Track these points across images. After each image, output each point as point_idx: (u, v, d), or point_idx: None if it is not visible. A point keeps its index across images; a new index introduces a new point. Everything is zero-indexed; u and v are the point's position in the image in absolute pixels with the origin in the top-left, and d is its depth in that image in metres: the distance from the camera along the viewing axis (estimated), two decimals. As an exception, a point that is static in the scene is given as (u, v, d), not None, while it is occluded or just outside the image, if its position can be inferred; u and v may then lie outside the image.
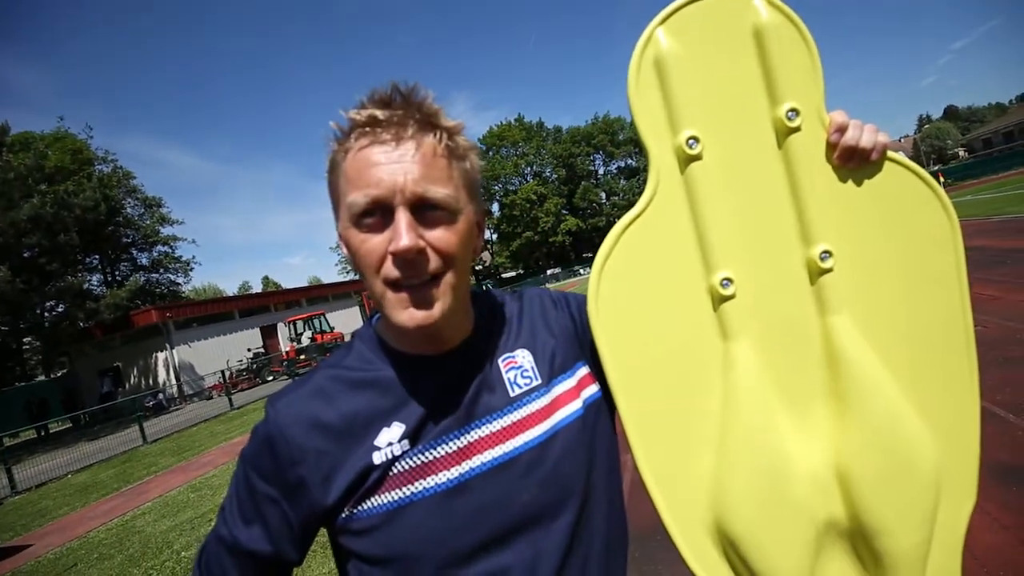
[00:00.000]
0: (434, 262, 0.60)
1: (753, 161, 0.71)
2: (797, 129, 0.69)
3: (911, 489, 0.66)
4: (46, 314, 22.44)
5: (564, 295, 0.84)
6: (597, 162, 58.72)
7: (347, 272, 63.18)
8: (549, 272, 51.88)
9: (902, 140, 78.71)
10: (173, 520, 5.57)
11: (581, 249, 58.78)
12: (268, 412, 0.67)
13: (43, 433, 19.33)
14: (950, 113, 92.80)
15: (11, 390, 22.05)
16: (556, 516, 0.65)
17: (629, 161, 57.52)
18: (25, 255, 20.52)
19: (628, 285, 0.71)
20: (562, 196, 55.35)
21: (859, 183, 0.69)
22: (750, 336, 0.70)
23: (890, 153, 0.69)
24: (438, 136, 0.61)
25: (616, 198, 55.07)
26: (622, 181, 56.46)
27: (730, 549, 0.69)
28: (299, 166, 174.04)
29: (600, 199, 56.39)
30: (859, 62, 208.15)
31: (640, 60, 0.70)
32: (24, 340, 24.33)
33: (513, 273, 59.11)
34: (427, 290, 0.61)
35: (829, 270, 0.69)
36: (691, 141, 0.69)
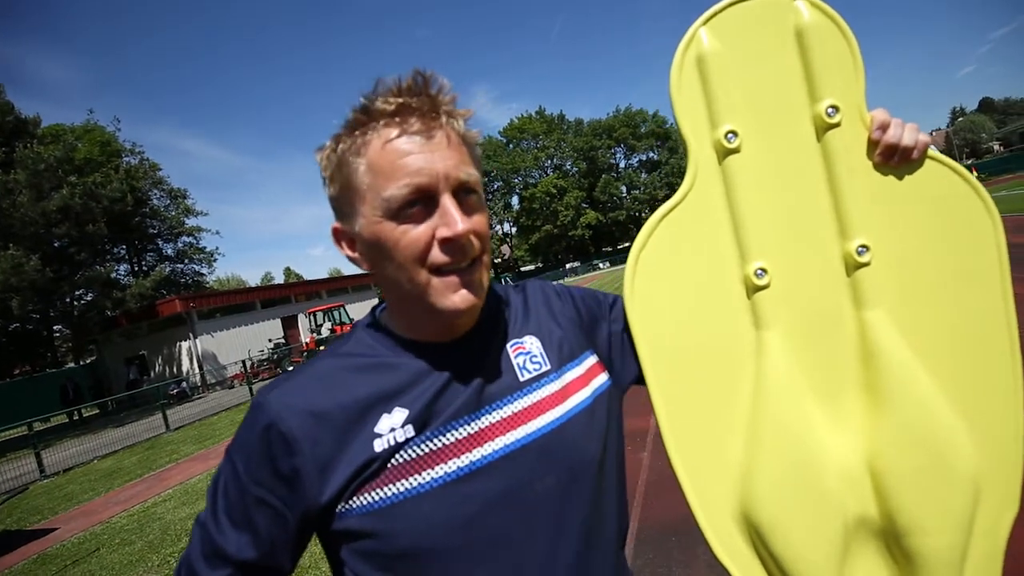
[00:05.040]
0: (476, 245, 0.61)
1: (791, 155, 0.72)
2: (837, 125, 0.70)
3: (945, 488, 0.65)
4: (75, 303, 23.10)
5: (565, 287, 0.83)
6: (618, 155, 58.05)
7: (366, 264, 63.72)
8: (568, 266, 51.70)
9: (933, 133, 76.13)
10: (192, 508, 5.67)
11: (601, 243, 58.41)
12: (259, 402, 0.62)
13: (75, 417, 19.96)
14: (985, 105, 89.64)
15: (42, 376, 22.88)
16: (571, 505, 0.63)
17: (651, 154, 56.71)
18: (55, 245, 21.13)
19: (663, 274, 0.73)
20: (582, 189, 54.90)
21: (899, 180, 0.70)
22: (783, 326, 0.71)
23: (931, 151, 0.69)
24: (458, 123, 0.62)
25: (637, 192, 54.36)
26: (643, 175, 55.71)
27: (757, 539, 0.69)
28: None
29: (621, 193, 55.76)
30: (894, 52, 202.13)
31: (683, 58, 0.72)
32: (54, 328, 25.10)
33: (532, 267, 59.07)
34: (473, 272, 0.61)
35: (866, 264, 0.69)
36: (729, 135, 0.71)
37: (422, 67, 0.61)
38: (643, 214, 54.62)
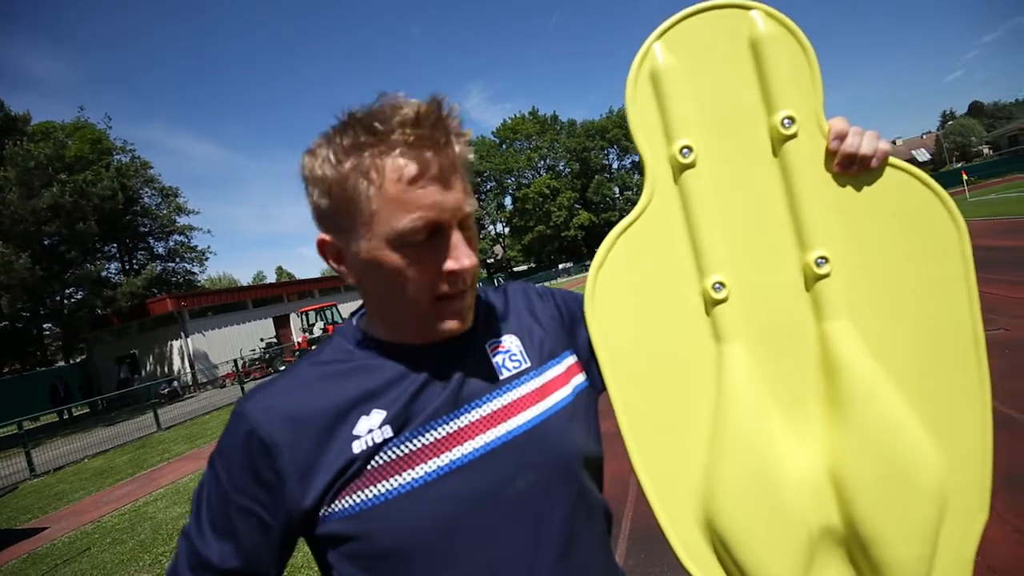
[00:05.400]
0: (472, 273, 0.62)
1: (748, 168, 0.71)
2: (793, 136, 0.69)
3: (909, 499, 0.65)
4: (65, 301, 22.87)
5: (547, 288, 0.84)
6: (611, 156, 58.16)
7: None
8: (561, 266, 51.72)
9: (924, 137, 76.75)
10: (184, 507, 5.64)
11: (593, 244, 58.39)
12: (239, 411, 0.62)
13: (65, 416, 19.78)
14: (975, 109, 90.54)
15: (32, 375, 22.62)
16: (553, 503, 0.62)
17: (643, 155, 56.85)
18: (45, 243, 20.92)
19: (623, 288, 0.74)
20: (575, 190, 54.97)
21: (859, 189, 0.69)
22: (743, 339, 0.71)
23: (892, 159, 0.68)
24: (461, 149, 0.61)
25: (630, 192, 54.55)
26: (636, 176, 55.87)
27: (720, 547, 0.69)
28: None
29: (614, 193, 55.91)
30: (882, 57, 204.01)
31: (637, 73, 0.73)
32: (44, 326, 24.83)
33: (525, 267, 59.06)
34: (467, 297, 0.64)
35: (826, 276, 0.69)
36: (684, 150, 0.71)
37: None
38: (637, 215, 54.73)
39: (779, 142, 0.70)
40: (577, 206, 55.14)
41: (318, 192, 0.61)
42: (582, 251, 56.95)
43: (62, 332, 25.17)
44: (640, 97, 0.73)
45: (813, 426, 0.70)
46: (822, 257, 0.69)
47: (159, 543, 4.72)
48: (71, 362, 28.36)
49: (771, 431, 0.69)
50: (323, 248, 0.65)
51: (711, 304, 0.71)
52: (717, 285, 0.71)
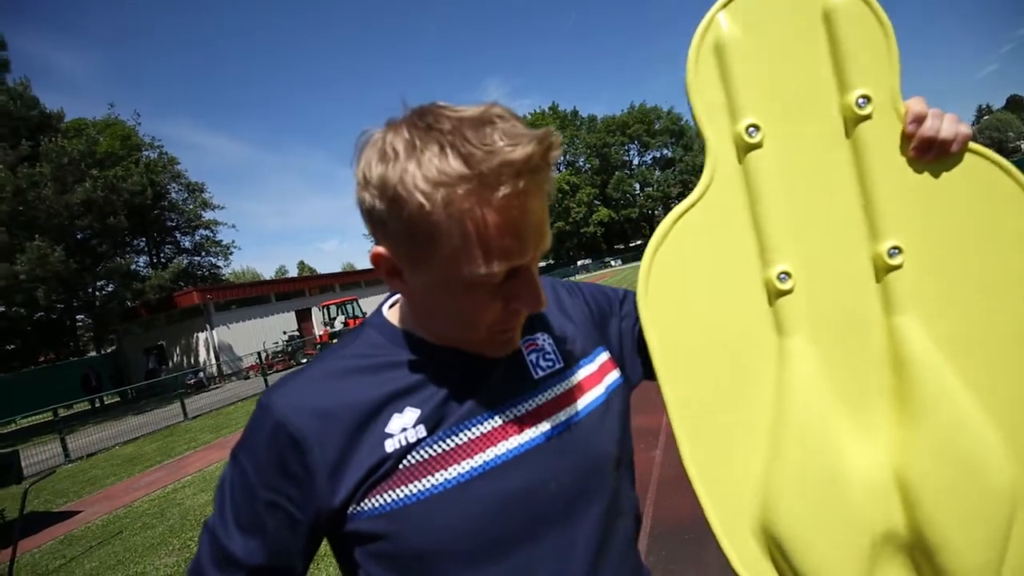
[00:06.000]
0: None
1: (818, 150, 0.67)
2: (868, 117, 0.64)
3: (980, 503, 0.62)
4: (97, 293, 23.60)
5: (575, 283, 0.82)
6: (632, 152, 57.62)
7: (379, 259, 64.00)
8: (579, 263, 51.45)
9: (958, 131, 74.13)
10: (211, 494, 5.76)
11: (613, 241, 58.07)
12: (265, 403, 0.60)
13: (97, 405, 20.45)
14: (1013, 103, 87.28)
15: (65, 364, 23.44)
16: (587, 505, 0.62)
17: (665, 151, 56.19)
18: (78, 237, 21.62)
19: (680, 275, 0.69)
20: (595, 186, 54.57)
21: (936, 176, 0.65)
22: (807, 332, 0.67)
23: (972, 145, 0.64)
24: (550, 182, 0.53)
25: (651, 189, 53.88)
26: (657, 172, 55.22)
27: (777, 552, 0.65)
28: (331, 152, 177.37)
29: (634, 190, 55.31)
30: (915, 50, 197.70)
31: (700, 46, 0.67)
32: (77, 318, 25.66)
33: (543, 264, 58.89)
34: (520, 322, 0.62)
35: (898, 267, 0.65)
36: (751, 129, 0.66)
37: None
38: (656, 212, 54.20)
39: (852, 123, 0.65)
40: (597, 202, 54.77)
41: (388, 208, 0.51)
42: (601, 248, 56.61)
43: (94, 323, 25.95)
44: (703, 71, 0.67)
45: (878, 425, 0.66)
46: (895, 247, 0.65)
47: (187, 528, 4.87)
48: (102, 352, 29.27)
49: (835, 430, 0.65)
50: (378, 261, 0.58)
51: (775, 295, 0.67)
52: (782, 275, 0.66)
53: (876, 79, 0.65)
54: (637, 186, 55.96)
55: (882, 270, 0.66)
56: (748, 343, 0.68)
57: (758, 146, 0.66)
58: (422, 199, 0.49)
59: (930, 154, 0.64)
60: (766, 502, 0.66)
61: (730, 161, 0.68)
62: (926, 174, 0.65)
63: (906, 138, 0.64)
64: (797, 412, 0.66)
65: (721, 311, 0.69)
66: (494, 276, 0.52)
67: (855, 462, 0.65)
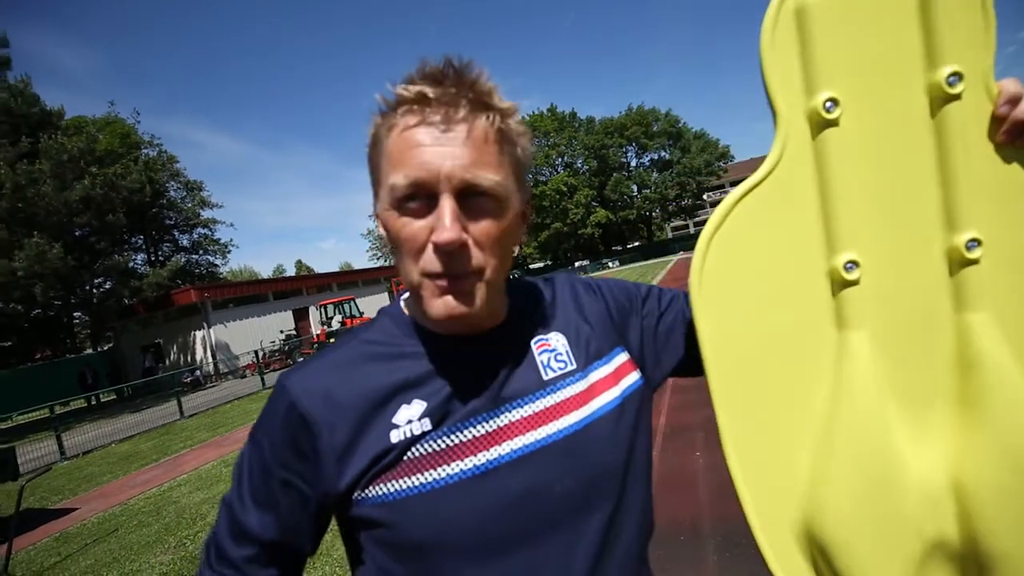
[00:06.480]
0: (477, 257, 0.56)
1: (899, 130, 0.62)
2: (957, 97, 0.59)
3: None
4: (95, 291, 23.52)
5: (595, 280, 0.81)
6: (630, 154, 57.49)
7: (377, 259, 64.17)
8: (577, 264, 51.44)
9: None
10: (207, 493, 5.81)
11: (610, 242, 58.10)
12: (282, 383, 0.63)
13: (93, 402, 20.41)
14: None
15: (62, 361, 23.39)
16: (592, 510, 0.61)
17: (663, 154, 56.11)
18: (76, 234, 21.54)
19: (737, 260, 0.65)
20: (593, 188, 54.58)
21: None
22: (871, 327, 0.63)
23: None
24: (491, 118, 0.56)
25: (648, 191, 53.86)
26: (655, 174, 55.17)
27: (820, 558, 0.63)
28: (332, 152, 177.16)
29: (632, 191, 55.27)
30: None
31: (779, 9, 0.61)
32: (74, 315, 25.59)
33: (541, 264, 58.99)
34: (467, 283, 0.57)
35: (974, 261, 0.60)
36: (829, 104, 0.61)
37: (456, 55, 0.57)
38: (653, 213, 54.30)
39: (939, 102, 0.60)
40: (594, 204, 54.79)
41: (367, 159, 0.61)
42: (599, 249, 56.67)
43: (91, 320, 25.92)
44: (780, 36, 0.62)
45: (939, 427, 0.63)
46: (974, 239, 0.60)
47: (183, 526, 4.88)
48: (99, 350, 29.19)
49: (893, 431, 0.62)
50: (376, 220, 0.62)
51: (839, 285, 0.63)
52: (849, 264, 0.62)
53: (970, 56, 0.59)
54: (635, 188, 55.86)
55: (957, 264, 0.61)
56: (805, 335, 0.64)
57: (835, 123, 0.61)
58: (373, 133, 0.60)
59: (1021, 140, 0.59)
60: (812, 505, 0.63)
61: (803, 138, 0.63)
62: (1015, 163, 0.60)
63: (996, 121, 0.59)
64: (854, 410, 0.62)
65: (779, 301, 0.65)
66: (398, 187, 0.55)
67: (911, 466, 0.62)
